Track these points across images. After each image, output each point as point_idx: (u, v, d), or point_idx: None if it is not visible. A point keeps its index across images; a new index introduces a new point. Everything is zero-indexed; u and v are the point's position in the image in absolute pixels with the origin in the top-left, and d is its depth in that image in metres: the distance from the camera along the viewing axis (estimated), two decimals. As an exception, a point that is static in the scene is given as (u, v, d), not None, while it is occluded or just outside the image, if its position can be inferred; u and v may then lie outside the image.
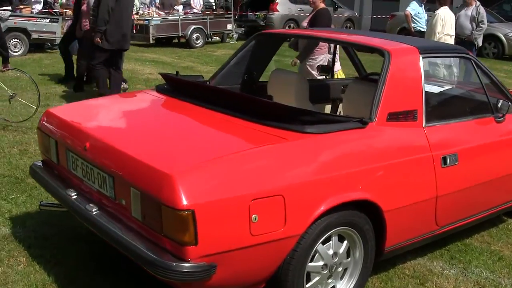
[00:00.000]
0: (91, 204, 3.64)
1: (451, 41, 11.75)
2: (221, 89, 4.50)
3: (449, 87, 6.05)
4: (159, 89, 4.70)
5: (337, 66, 8.50)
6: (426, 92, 4.26)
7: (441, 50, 4.84)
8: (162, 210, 3.05)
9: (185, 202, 2.97)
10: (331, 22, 8.39)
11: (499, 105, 4.70)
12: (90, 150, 3.70)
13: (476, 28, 12.17)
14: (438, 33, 11.50)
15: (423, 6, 13.26)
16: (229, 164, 3.26)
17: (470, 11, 12.27)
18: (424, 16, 13.15)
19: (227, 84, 5.19)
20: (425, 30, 12.88)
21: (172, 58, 16.32)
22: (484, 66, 4.90)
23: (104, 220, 3.50)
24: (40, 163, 4.49)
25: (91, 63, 9.66)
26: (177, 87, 4.63)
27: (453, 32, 11.74)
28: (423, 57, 4.31)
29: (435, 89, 5.76)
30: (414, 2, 13.20)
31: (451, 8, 11.71)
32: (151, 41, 18.46)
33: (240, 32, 22.13)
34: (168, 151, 3.50)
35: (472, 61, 4.82)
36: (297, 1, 22.22)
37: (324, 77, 6.26)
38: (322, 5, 8.20)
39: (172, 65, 14.73)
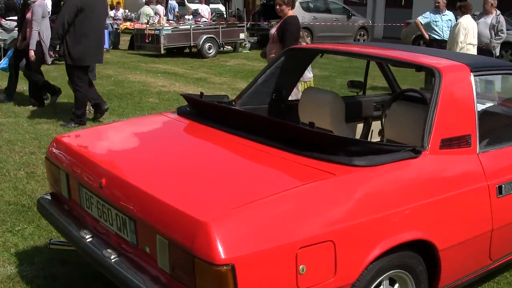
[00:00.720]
0: (109, 250, 3.19)
1: (473, 50, 11.38)
2: (253, 115, 4.05)
3: (491, 103, 5.60)
4: (181, 112, 4.26)
5: (309, 75, 8.31)
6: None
7: (492, 66, 4.41)
8: (195, 264, 2.62)
9: (223, 255, 2.55)
10: (300, 30, 8.06)
11: None
12: (107, 188, 3.26)
13: (495, 37, 11.79)
14: (461, 43, 11.13)
15: (441, 14, 12.77)
16: (271, 207, 2.82)
17: (489, 19, 11.90)
18: (441, 24, 12.68)
19: (254, 104, 4.77)
20: (441, 37, 12.59)
21: (184, 69, 15.93)
22: None
23: (125, 269, 3.04)
24: (48, 196, 4.05)
25: (73, 87, 8.88)
26: (202, 111, 4.19)
27: (475, 41, 11.40)
28: (474, 75, 3.94)
29: (478, 107, 5.34)
30: (428, 11, 12.81)
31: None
32: (162, 51, 18.10)
33: (253, 41, 21.68)
34: (199, 191, 3.05)
35: None
36: (311, 9, 21.86)
37: (355, 93, 5.79)
38: (290, 13, 7.90)
39: (185, 76, 14.35)
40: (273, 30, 8.06)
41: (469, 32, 11.22)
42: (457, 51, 11.14)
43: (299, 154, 3.34)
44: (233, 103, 4.66)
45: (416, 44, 20.36)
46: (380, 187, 3.22)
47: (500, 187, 3.76)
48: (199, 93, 4.41)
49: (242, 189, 3.05)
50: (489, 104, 5.50)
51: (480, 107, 5.26)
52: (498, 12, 12.12)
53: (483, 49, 11.62)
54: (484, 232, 3.70)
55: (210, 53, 18.62)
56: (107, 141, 4.05)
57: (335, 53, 5.24)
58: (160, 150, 3.76)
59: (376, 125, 5.65)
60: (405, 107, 4.22)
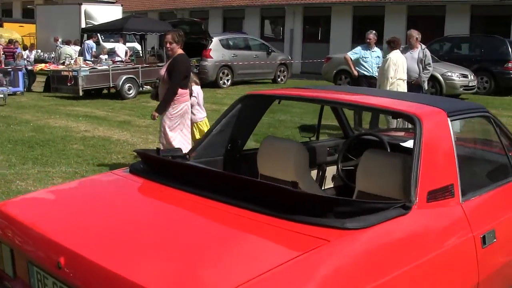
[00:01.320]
0: None
1: (403, 85, 11.39)
2: (221, 173, 3.65)
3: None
4: (134, 170, 3.80)
5: (200, 116, 8.57)
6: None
7: (465, 110, 4.18)
8: None
9: None
10: (190, 69, 8.01)
11: None
12: (68, 268, 2.76)
13: (423, 71, 11.86)
14: (391, 78, 11.11)
15: (370, 50, 12.81)
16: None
17: (416, 53, 11.97)
18: (371, 60, 12.70)
19: (209, 157, 4.39)
20: (370, 73, 12.58)
21: (105, 111, 15.32)
22: (501, 123, 4.39)
23: None
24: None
25: None
26: (158, 168, 3.75)
27: (405, 76, 11.43)
28: (451, 120, 3.76)
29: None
30: (359, 47, 12.79)
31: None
32: (80, 93, 17.39)
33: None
34: (177, 272, 2.60)
35: (492, 119, 4.31)
36: (230, 47, 21.68)
37: (308, 138, 5.49)
38: (179, 51, 7.71)
39: (107, 119, 13.78)
40: (162, 71, 7.79)
41: (399, 68, 11.22)
42: (388, 87, 11.11)
43: (279, 218, 2.97)
44: (187, 156, 4.26)
45: (338, 79, 20.57)
46: (375, 251, 2.89)
47: (484, 237, 3.54)
48: (156, 149, 3.99)
49: (225, 267, 2.61)
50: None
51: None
52: (424, 46, 12.25)
53: (413, 84, 11.67)
54: (471, 285, 3.45)
55: (130, 94, 18.06)
56: (58, 208, 3.50)
57: (299, 99, 4.93)
58: (121, 217, 3.26)
59: (329, 171, 5.40)
60: (380, 156, 3.93)
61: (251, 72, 21.77)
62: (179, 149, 4.26)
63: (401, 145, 5.36)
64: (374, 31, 13.15)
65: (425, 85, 12.13)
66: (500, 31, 23.04)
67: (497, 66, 20.38)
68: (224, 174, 3.55)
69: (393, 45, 11.45)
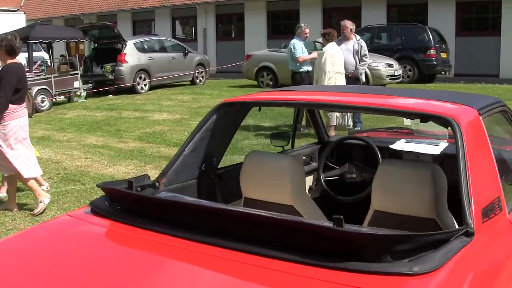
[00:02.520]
0: None
1: (342, 79, 10.87)
2: (227, 210, 2.76)
3: (445, 143, 4.82)
4: (97, 210, 2.87)
5: None
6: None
7: (490, 105, 3.54)
8: None
9: None
10: (24, 79, 6.78)
11: None
12: None
13: (359, 63, 11.34)
14: (329, 72, 10.56)
15: (303, 43, 12.20)
16: None
17: (351, 45, 11.46)
18: (306, 54, 12.06)
19: (181, 181, 3.55)
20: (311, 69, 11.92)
21: (19, 127, 13.98)
22: None
23: None
24: None
25: None
26: (133, 208, 2.88)
27: (343, 69, 10.89)
28: (482, 119, 3.19)
29: (436, 149, 4.53)
30: (297, 42, 12.04)
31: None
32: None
33: (86, 89, 19.84)
34: None
35: (509, 113, 3.78)
36: (146, 50, 20.61)
37: (281, 148, 4.72)
38: (10, 60, 6.60)
39: (23, 136, 12.54)
40: None
41: (336, 61, 10.67)
42: (326, 81, 10.53)
43: (315, 266, 2.21)
44: (157, 183, 3.39)
45: (260, 76, 19.94)
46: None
47: None
48: (127, 181, 3.06)
49: None
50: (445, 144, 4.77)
51: (437, 149, 4.51)
52: (358, 37, 11.75)
53: (349, 76, 11.14)
54: None
55: (44, 106, 16.73)
56: (13, 268, 2.55)
57: (293, 105, 4.13)
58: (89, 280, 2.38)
59: (307, 182, 4.68)
60: (401, 168, 3.17)
61: (169, 75, 20.78)
62: (145, 176, 3.37)
63: (391, 148, 4.73)
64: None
65: (363, 77, 11.63)
66: (417, 19, 23.07)
67: (419, 54, 20.30)
68: (227, 211, 2.71)
69: (328, 37, 10.87)
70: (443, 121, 2.94)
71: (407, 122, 5.20)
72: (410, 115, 3.22)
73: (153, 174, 8.43)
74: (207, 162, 3.68)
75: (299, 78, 11.89)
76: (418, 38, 20.73)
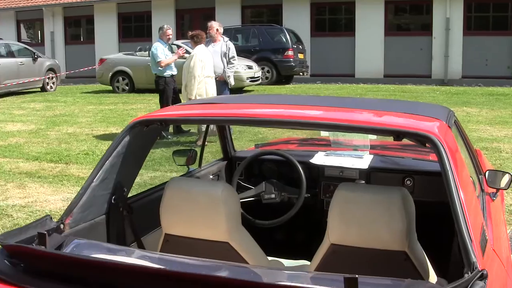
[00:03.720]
0: None
1: (212, 83, 10.49)
2: (130, 266, 2.15)
3: (370, 155, 4.53)
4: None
5: None
6: None
7: (448, 114, 3.26)
8: None
9: None
10: None
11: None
12: None
13: (227, 65, 10.99)
14: (199, 76, 10.11)
15: (167, 46, 11.66)
16: None
17: (218, 47, 11.11)
18: (170, 56, 11.51)
19: (88, 220, 2.95)
20: (172, 71, 11.40)
21: None
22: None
23: None
24: None
25: None
26: (36, 265, 2.25)
27: (213, 73, 10.45)
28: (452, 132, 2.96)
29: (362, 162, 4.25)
30: (159, 44, 11.44)
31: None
32: None
33: None
34: None
35: (458, 123, 3.65)
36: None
37: (186, 167, 4.19)
38: None
39: None
40: None
41: (206, 64, 10.24)
42: (196, 86, 10.06)
43: None
44: (62, 225, 2.77)
45: (115, 81, 19.10)
46: None
47: None
48: (36, 236, 2.40)
49: None
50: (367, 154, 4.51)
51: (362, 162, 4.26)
52: (226, 38, 11.39)
53: (217, 80, 10.74)
54: None
55: None
56: None
57: (229, 121, 3.55)
58: None
59: None
60: (363, 193, 2.66)
61: (18, 81, 19.39)
62: (47, 218, 2.72)
63: (311, 163, 4.34)
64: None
65: (231, 81, 11.27)
66: (272, 20, 23.17)
67: (277, 55, 20.28)
68: (137, 267, 2.14)
69: (197, 39, 10.41)
70: (422, 138, 2.57)
71: (324, 132, 4.87)
72: (383, 132, 2.79)
73: (17, 193, 7.61)
74: (118, 192, 3.09)
75: (164, 83, 11.32)
76: (275, 39, 20.72)
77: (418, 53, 22.59)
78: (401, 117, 2.89)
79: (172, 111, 3.22)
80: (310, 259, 3.67)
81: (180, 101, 11.24)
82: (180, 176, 3.93)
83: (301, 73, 21.38)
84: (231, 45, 11.21)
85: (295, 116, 2.90)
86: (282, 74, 20.62)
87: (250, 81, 18.06)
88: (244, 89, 17.91)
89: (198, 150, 4.34)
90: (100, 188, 2.96)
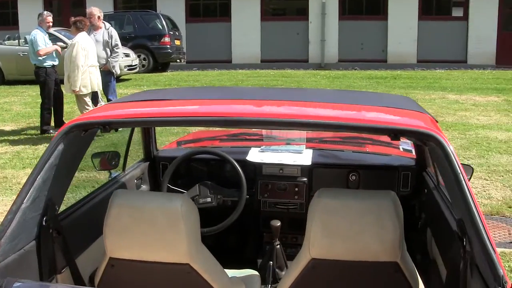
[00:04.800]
0: None
1: (97, 73, 9.82)
2: None
3: (309, 150, 4.15)
4: None
5: None
6: None
7: (419, 106, 2.91)
8: None
9: None
10: None
11: None
12: None
13: (111, 55, 10.28)
14: (82, 66, 9.38)
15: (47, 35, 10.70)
16: None
17: (100, 35, 10.38)
18: (50, 45, 10.55)
19: (18, 249, 2.35)
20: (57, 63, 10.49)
21: None
22: None
23: None
24: None
25: None
26: None
27: (96, 62, 9.74)
28: None
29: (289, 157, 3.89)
30: (39, 32, 10.41)
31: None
32: None
33: None
34: None
35: None
36: None
37: (108, 171, 3.61)
38: None
39: None
40: None
41: (89, 53, 9.52)
42: (79, 76, 9.33)
43: None
44: None
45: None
46: None
47: None
48: None
49: None
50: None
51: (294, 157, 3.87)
52: (108, 25, 10.63)
53: (102, 70, 10.02)
54: None
55: None
56: None
57: (198, 122, 2.63)
58: None
59: None
60: (344, 199, 2.28)
61: None
62: None
63: (247, 160, 3.91)
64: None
65: (117, 70, 10.58)
66: (145, 6, 22.43)
67: (154, 42, 19.54)
68: None
69: (80, 25, 9.64)
70: (424, 136, 2.21)
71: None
72: (381, 131, 2.40)
73: None
74: (49, 212, 2.49)
75: (44, 74, 10.35)
76: (150, 25, 19.96)
77: (295, 37, 22.61)
78: (392, 114, 2.54)
79: (117, 111, 2.61)
80: (255, 268, 3.30)
81: (62, 94, 10.45)
82: (118, 188, 3.39)
83: (178, 60, 20.79)
84: (114, 32, 10.49)
85: (275, 115, 2.40)
86: (159, 62, 19.96)
87: (128, 70, 17.28)
88: (122, 78, 17.11)
89: (121, 152, 3.76)
90: (30, 209, 2.38)
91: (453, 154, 2.13)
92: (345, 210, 2.24)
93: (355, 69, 20.67)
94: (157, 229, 2.28)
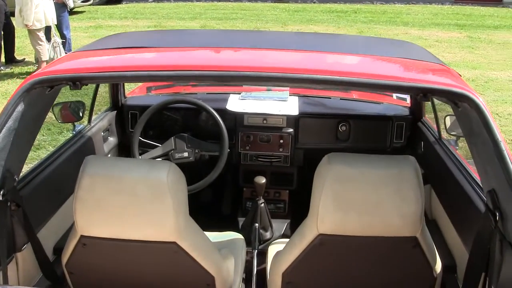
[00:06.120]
0: None
1: (50, 6, 9.39)
2: None
3: (294, 97, 3.89)
4: None
5: None
6: None
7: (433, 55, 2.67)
8: None
9: None
10: None
11: None
12: None
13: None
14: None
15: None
16: None
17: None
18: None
19: None
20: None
21: None
22: None
23: None
24: None
25: None
26: None
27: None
28: None
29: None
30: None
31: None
32: None
33: None
34: None
35: None
36: None
37: (72, 124, 3.32)
38: None
39: None
40: None
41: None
42: (33, 10, 8.86)
43: None
44: None
45: None
46: None
47: None
48: None
49: None
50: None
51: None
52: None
53: (55, 3, 9.54)
54: None
55: None
56: None
57: (199, 78, 2.24)
58: None
59: None
60: (368, 167, 1.98)
61: None
62: None
63: (227, 109, 3.63)
64: None
65: (71, 3, 10.13)
66: None
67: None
68: None
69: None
70: (459, 97, 1.96)
71: None
72: (410, 89, 2.09)
73: None
74: (7, 184, 2.18)
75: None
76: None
77: (253, -31, 22.01)
78: (418, 69, 2.26)
79: (88, 63, 2.27)
80: (237, 230, 3.06)
81: (13, 28, 9.92)
82: (84, 143, 3.09)
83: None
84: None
85: (292, 69, 2.04)
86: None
87: (82, 2, 16.64)
88: (75, 10, 16.46)
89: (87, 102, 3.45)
90: None
91: (491, 118, 1.90)
92: (361, 179, 1.97)
93: (314, 2, 20.29)
94: (138, 203, 1.98)
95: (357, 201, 1.96)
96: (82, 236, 2.04)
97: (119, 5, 19.13)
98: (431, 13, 17.45)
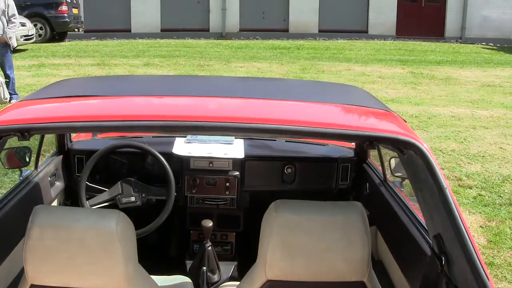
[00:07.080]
0: None
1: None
2: None
3: (240, 140, 3.93)
4: None
5: None
6: None
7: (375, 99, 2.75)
8: None
9: None
10: None
11: None
12: None
13: (8, 25, 9.75)
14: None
15: None
16: None
17: (-4, 5, 9.74)
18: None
19: None
20: None
21: None
22: None
23: None
24: None
25: None
26: None
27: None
28: None
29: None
30: None
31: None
32: None
33: None
34: None
35: None
36: None
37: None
38: None
39: None
40: None
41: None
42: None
43: None
44: None
45: None
46: None
47: None
48: None
49: None
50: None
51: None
52: (4, -7, 10.01)
53: (-1, 42, 9.51)
54: None
55: None
56: None
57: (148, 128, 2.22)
58: None
59: None
60: (316, 213, 2.03)
61: None
62: None
63: (173, 153, 3.65)
64: None
65: (14, 42, 10.04)
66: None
67: (51, 11, 18.68)
68: None
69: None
70: (403, 144, 2.01)
71: None
72: (355, 138, 2.15)
73: None
74: None
75: None
76: (48, -7, 19.11)
77: (195, 6, 22.25)
78: (362, 115, 2.30)
79: (37, 112, 2.25)
80: (185, 274, 3.07)
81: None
82: (31, 189, 3.07)
83: (76, 29, 20.01)
84: (11, 1, 9.90)
85: (239, 118, 2.07)
86: (56, 31, 19.16)
87: (24, 40, 16.45)
88: (18, 48, 16.29)
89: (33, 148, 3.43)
90: None
91: (435, 164, 1.95)
92: (308, 226, 2.00)
93: (257, 39, 20.57)
94: (88, 252, 1.98)
95: (304, 247, 1.99)
96: (32, 286, 2.04)
97: (61, 43, 19.00)
98: (374, 49, 17.85)
